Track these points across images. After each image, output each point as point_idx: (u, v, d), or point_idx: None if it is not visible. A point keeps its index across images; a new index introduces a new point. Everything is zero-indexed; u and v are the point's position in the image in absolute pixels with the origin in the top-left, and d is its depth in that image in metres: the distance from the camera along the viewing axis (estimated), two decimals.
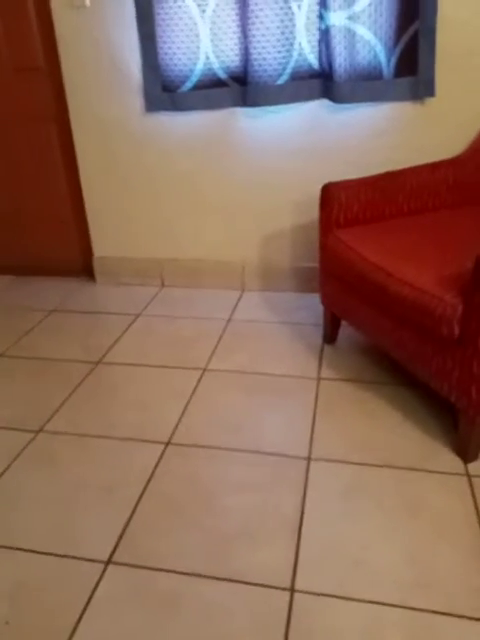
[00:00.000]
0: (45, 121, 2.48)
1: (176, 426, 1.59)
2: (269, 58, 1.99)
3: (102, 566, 1.17)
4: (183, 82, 2.11)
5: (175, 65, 2.09)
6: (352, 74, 1.95)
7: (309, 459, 1.44)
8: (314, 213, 2.29)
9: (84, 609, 1.08)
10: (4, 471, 1.45)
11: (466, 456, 1.39)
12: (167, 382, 1.81)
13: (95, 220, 2.53)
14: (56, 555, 1.20)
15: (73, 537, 1.24)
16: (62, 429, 1.60)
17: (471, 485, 1.32)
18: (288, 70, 2.02)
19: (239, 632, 1.02)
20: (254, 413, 1.63)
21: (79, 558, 1.19)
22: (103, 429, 1.59)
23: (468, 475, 1.35)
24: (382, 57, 1.93)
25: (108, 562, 1.18)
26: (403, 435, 1.51)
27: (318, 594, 1.08)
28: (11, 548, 1.22)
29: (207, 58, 2.07)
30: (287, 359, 1.90)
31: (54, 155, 2.53)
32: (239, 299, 2.40)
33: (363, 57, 1.94)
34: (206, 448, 1.50)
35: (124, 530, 1.25)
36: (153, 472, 1.42)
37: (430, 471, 1.37)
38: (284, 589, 1.10)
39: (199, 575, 1.13)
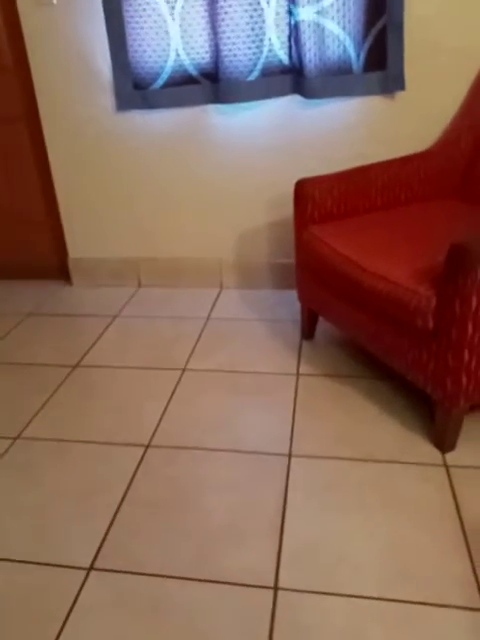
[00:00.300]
0: (15, 121, 2.43)
1: (156, 428, 1.58)
2: (239, 54, 1.99)
3: (84, 573, 1.16)
4: (154, 80, 2.09)
5: (145, 62, 2.07)
6: (322, 69, 1.95)
7: (290, 456, 1.45)
8: (289, 209, 2.29)
9: (67, 616, 1.07)
10: None
11: (443, 447, 1.41)
12: (146, 384, 1.80)
13: (69, 221, 2.50)
14: (37, 563, 1.19)
15: (54, 544, 1.23)
16: (40, 435, 1.58)
17: (449, 475, 1.34)
18: (259, 66, 2.01)
19: (224, 633, 1.02)
20: (234, 412, 1.63)
21: (61, 565, 1.18)
22: (82, 434, 1.58)
23: (446, 465, 1.37)
24: (351, 51, 1.94)
25: (90, 568, 1.17)
26: (381, 428, 1.52)
27: (301, 591, 1.09)
28: None
29: (177, 55, 2.05)
30: (266, 356, 1.90)
31: (25, 156, 2.49)
32: (217, 297, 2.39)
33: (333, 52, 1.94)
34: (186, 449, 1.49)
35: (106, 535, 1.24)
36: (133, 475, 1.41)
37: (409, 463, 1.39)
38: (268, 588, 1.10)
39: (182, 578, 1.13)
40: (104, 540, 1.23)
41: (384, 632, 1.00)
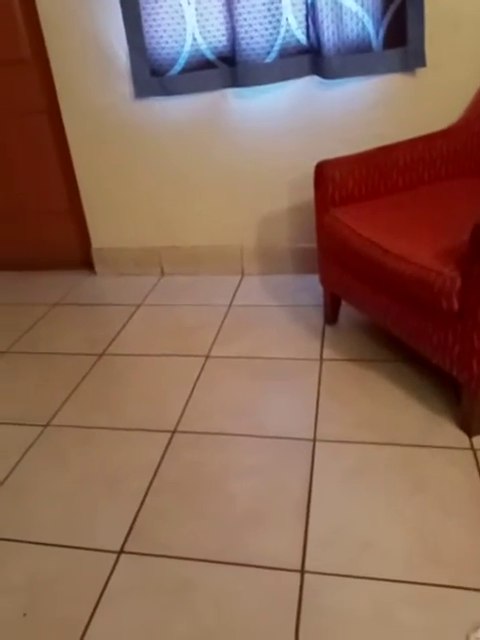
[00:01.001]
0: (36, 114, 2.45)
1: (181, 414, 1.60)
2: (256, 36, 1.96)
3: (114, 556, 1.19)
4: (171, 65, 2.08)
5: (162, 48, 2.06)
6: (341, 48, 1.91)
7: (315, 440, 1.45)
8: (309, 192, 2.27)
9: (99, 598, 1.10)
10: (14, 466, 1.47)
11: (470, 430, 1.40)
12: (170, 371, 1.82)
13: (92, 211, 2.52)
14: (69, 547, 1.22)
15: (85, 528, 1.26)
16: (69, 422, 1.62)
17: (476, 458, 1.33)
18: (276, 48, 1.98)
19: (252, 615, 1.04)
20: (258, 397, 1.64)
21: (92, 549, 1.21)
22: (109, 420, 1.61)
23: (473, 449, 1.36)
24: (370, 29, 1.89)
25: (120, 552, 1.19)
26: (407, 412, 1.51)
27: (328, 574, 1.10)
28: (25, 542, 1.24)
29: (194, 39, 2.03)
30: (289, 342, 1.90)
31: (47, 147, 2.51)
32: (239, 284, 2.39)
33: (351, 30, 1.90)
34: (212, 434, 1.51)
35: (134, 519, 1.27)
36: (160, 461, 1.43)
37: (435, 446, 1.38)
38: (294, 571, 1.11)
39: (210, 561, 1.15)
40: (133, 524, 1.26)
41: (412, 615, 1.01)
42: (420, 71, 1.97)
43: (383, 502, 1.24)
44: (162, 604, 1.08)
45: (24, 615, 1.08)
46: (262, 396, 1.64)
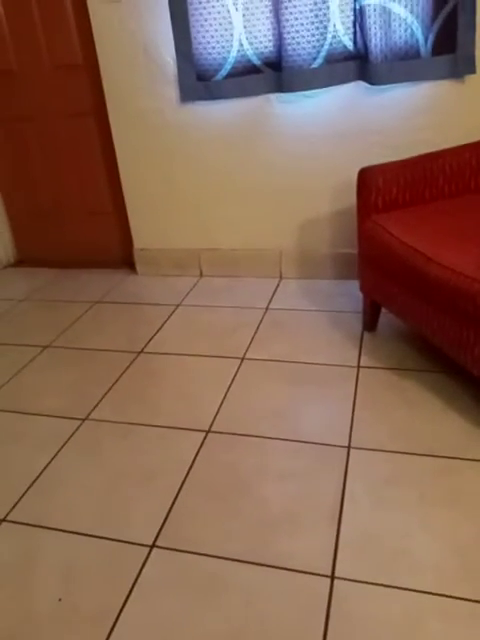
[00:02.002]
0: (84, 116, 2.53)
1: (216, 414, 1.62)
2: (303, 42, 1.97)
3: (147, 549, 1.21)
4: (217, 70, 2.11)
5: (209, 54, 2.09)
6: (388, 54, 1.90)
7: (349, 448, 1.44)
8: (352, 198, 2.25)
9: (131, 589, 1.13)
10: (53, 457, 1.51)
11: None
12: (207, 371, 1.84)
13: (134, 212, 2.58)
14: (104, 538, 1.25)
15: (119, 521, 1.29)
16: (107, 417, 1.66)
17: None
18: (322, 53, 1.98)
19: (281, 617, 1.04)
20: (293, 402, 1.64)
21: (125, 541, 1.24)
22: (145, 417, 1.64)
23: None
24: (419, 35, 1.87)
25: (153, 546, 1.22)
26: (445, 423, 1.48)
27: (358, 581, 1.09)
28: (62, 530, 1.28)
29: (240, 45, 2.05)
30: (326, 348, 1.90)
31: (94, 149, 2.59)
32: (277, 287, 2.40)
33: (399, 36, 1.89)
34: (246, 436, 1.52)
35: (167, 515, 1.29)
36: (194, 459, 1.45)
37: (473, 460, 1.35)
38: (325, 576, 1.11)
39: (240, 560, 1.16)
40: (166, 520, 1.28)
41: (443, 628, 0.99)
42: (469, 77, 1.94)
43: (417, 513, 1.23)
44: (192, 599, 1.09)
45: (59, 600, 1.12)
46: (297, 401, 1.64)
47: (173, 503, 1.32)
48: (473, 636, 0.97)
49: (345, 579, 1.10)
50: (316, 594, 1.08)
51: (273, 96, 2.17)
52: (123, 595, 1.11)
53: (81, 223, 2.79)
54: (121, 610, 1.08)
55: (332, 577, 1.11)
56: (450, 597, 1.04)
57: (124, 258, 2.80)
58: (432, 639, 0.98)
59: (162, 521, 1.28)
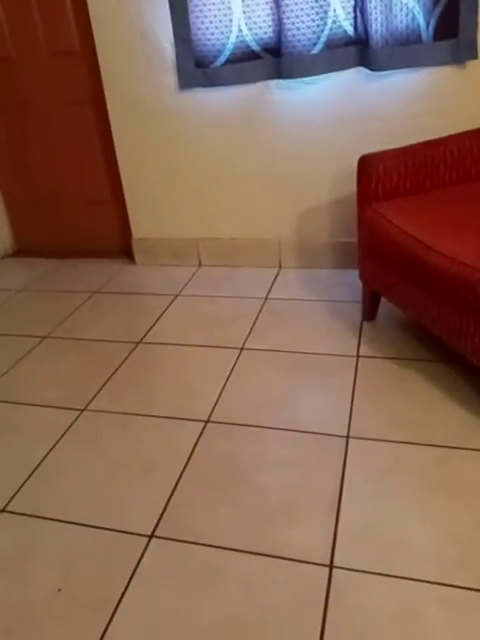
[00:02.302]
0: (82, 104, 2.51)
1: (215, 405, 1.61)
2: (303, 27, 1.94)
3: (146, 540, 1.21)
4: (216, 57, 2.08)
5: (208, 40, 2.06)
6: (389, 39, 1.87)
7: (348, 437, 1.44)
8: (352, 186, 2.24)
9: (130, 579, 1.13)
10: (52, 448, 1.51)
11: None
12: (205, 361, 1.83)
13: (133, 202, 2.56)
14: (103, 528, 1.25)
15: (118, 511, 1.29)
16: (105, 408, 1.66)
17: None
18: (322, 39, 1.95)
19: (279, 606, 1.04)
20: (292, 392, 1.64)
21: (124, 531, 1.24)
22: (144, 408, 1.63)
23: None
24: (421, 20, 1.84)
25: (151, 536, 1.22)
26: (444, 413, 1.48)
27: (357, 570, 1.09)
28: (61, 521, 1.28)
29: (240, 31, 2.02)
30: (325, 337, 1.89)
31: (92, 137, 2.57)
32: (276, 277, 2.39)
33: (400, 21, 1.86)
34: (245, 426, 1.52)
35: (166, 505, 1.29)
36: (193, 449, 1.45)
37: (472, 449, 1.35)
38: (323, 565, 1.11)
39: (239, 550, 1.16)
40: (164, 510, 1.28)
41: (441, 616, 0.99)
42: (470, 63, 1.92)
43: (415, 502, 1.23)
44: (191, 589, 1.09)
45: (58, 590, 1.12)
46: (296, 390, 1.64)
47: (172, 493, 1.32)
48: (472, 624, 0.98)
49: (344, 568, 1.10)
50: (314, 583, 1.08)
51: (272, 82, 2.14)
52: (122, 585, 1.12)
53: (79, 212, 2.77)
54: (120, 600, 1.09)
55: (331, 566, 1.11)
56: (449, 586, 1.05)
57: (122, 248, 2.78)
58: (431, 628, 0.98)
59: (161, 511, 1.28)
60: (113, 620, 1.05)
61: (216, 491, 1.31)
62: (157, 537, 1.21)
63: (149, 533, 1.23)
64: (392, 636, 0.97)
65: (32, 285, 2.57)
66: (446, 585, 1.05)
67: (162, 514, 1.27)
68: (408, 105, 2.04)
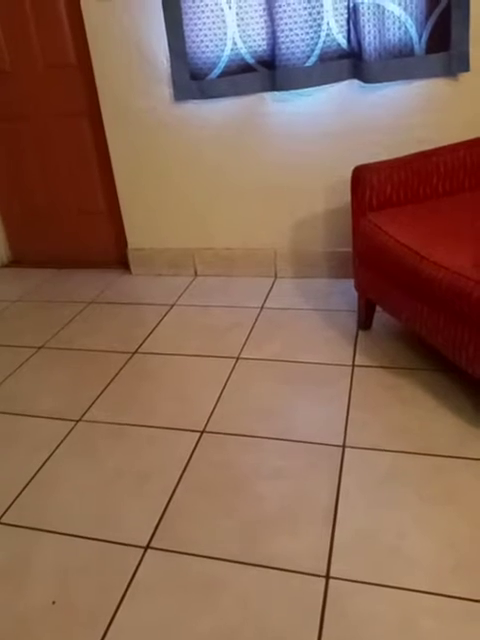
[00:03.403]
0: (77, 116, 2.52)
1: (211, 414, 1.61)
2: (297, 40, 1.96)
3: (141, 551, 1.20)
4: (211, 69, 2.10)
5: (203, 52, 2.08)
6: (382, 52, 1.90)
7: (344, 447, 1.44)
8: (346, 196, 2.25)
9: (125, 591, 1.12)
10: (47, 459, 1.50)
11: None
12: (202, 371, 1.83)
13: (128, 212, 2.57)
14: (98, 539, 1.24)
15: (113, 522, 1.28)
16: (101, 418, 1.65)
17: None
18: (316, 51, 1.98)
19: (276, 617, 1.04)
20: (288, 401, 1.64)
21: (119, 543, 1.23)
22: (140, 418, 1.63)
23: None
24: (413, 33, 1.87)
25: (147, 547, 1.21)
26: (440, 422, 1.48)
27: (353, 581, 1.09)
28: (56, 532, 1.27)
29: (234, 44, 2.05)
30: (321, 346, 1.89)
31: (87, 149, 2.58)
32: (271, 286, 2.39)
33: (393, 34, 1.88)
34: (241, 436, 1.51)
35: (162, 516, 1.28)
36: (189, 460, 1.45)
37: (467, 458, 1.35)
38: (319, 576, 1.11)
39: (235, 561, 1.16)
40: (160, 521, 1.27)
41: (436, 627, 0.99)
42: (462, 75, 1.94)
43: (412, 512, 1.23)
44: (187, 600, 1.09)
45: (53, 603, 1.11)
46: (292, 400, 1.64)
47: (168, 504, 1.32)
48: (467, 634, 0.97)
49: (340, 579, 1.10)
50: (311, 594, 1.07)
51: (267, 95, 2.16)
52: (117, 597, 1.11)
53: (75, 223, 2.78)
54: (115, 612, 1.08)
55: (327, 577, 1.10)
56: (444, 596, 1.04)
57: (118, 258, 2.79)
58: (426, 638, 0.97)
59: (157, 522, 1.27)
60: (108, 632, 1.04)
61: (212, 502, 1.31)
62: (153, 548, 1.21)
63: (145, 544, 1.22)
64: None
65: (28, 295, 2.57)
66: (442, 595, 1.04)
67: (158, 525, 1.26)
68: (401, 117, 2.06)
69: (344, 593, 1.07)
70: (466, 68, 1.89)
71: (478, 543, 1.14)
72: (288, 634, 1.01)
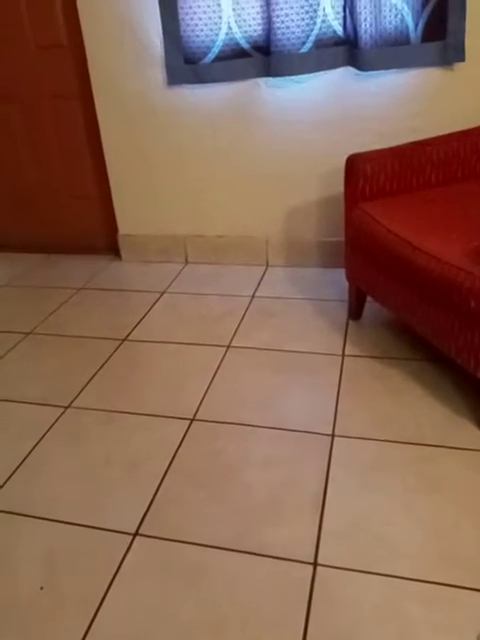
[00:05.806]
0: (69, 98, 2.48)
1: (200, 403, 1.61)
2: (292, 26, 1.94)
3: (130, 538, 1.20)
4: (205, 53, 2.07)
5: (197, 36, 2.05)
6: (378, 40, 1.88)
7: (333, 436, 1.44)
8: (339, 185, 2.24)
9: (113, 577, 1.12)
10: (35, 445, 1.50)
11: None
12: (191, 359, 1.83)
13: (120, 197, 2.54)
14: (86, 526, 1.24)
15: (102, 509, 1.28)
16: (90, 405, 1.64)
17: None
18: (312, 38, 1.96)
19: (263, 604, 1.05)
20: (278, 390, 1.64)
21: (108, 529, 1.23)
22: (129, 405, 1.63)
23: None
24: (409, 21, 1.85)
25: (135, 534, 1.21)
26: (428, 411, 1.49)
27: (341, 568, 1.10)
28: (44, 519, 1.27)
29: (229, 28, 2.02)
30: (311, 336, 1.89)
31: (78, 132, 2.54)
32: (263, 275, 2.39)
33: (389, 22, 1.86)
34: (230, 424, 1.51)
35: (150, 504, 1.28)
36: (178, 447, 1.45)
37: (454, 448, 1.36)
38: (307, 563, 1.11)
39: (223, 548, 1.16)
40: (149, 508, 1.27)
41: (421, 613, 1.00)
42: (458, 65, 1.93)
43: (399, 500, 1.24)
44: (174, 587, 1.09)
45: (41, 588, 1.11)
46: (282, 389, 1.64)
47: (156, 491, 1.32)
48: (452, 621, 0.99)
49: (328, 566, 1.10)
50: (298, 581, 1.08)
51: (261, 80, 2.14)
52: (105, 583, 1.11)
53: (65, 208, 2.74)
54: (103, 598, 1.08)
55: (315, 564, 1.11)
56: (430, 582, 1.06)
57: (109, 244, 2.76)
58: (413, 624, 0.99)
59: (145, 509, 1.27)
60: (96, 618, 1.04)
61: (201, 489, 1.31)
62: (141, 535, 1.21)
63: (133, 531, 1.22)
64: (375, 633, 0.98)
65: (16, 280, 2.54)
66: (428, 582, 1.06)
67: (146, 512, 1.26)
68: (396, 106, 2.05)
69: (331, 580, 1.08)
70: (461, 58, 1.88)
71: (463, 531, 1.15)
72: (275, 620, 1.01)
